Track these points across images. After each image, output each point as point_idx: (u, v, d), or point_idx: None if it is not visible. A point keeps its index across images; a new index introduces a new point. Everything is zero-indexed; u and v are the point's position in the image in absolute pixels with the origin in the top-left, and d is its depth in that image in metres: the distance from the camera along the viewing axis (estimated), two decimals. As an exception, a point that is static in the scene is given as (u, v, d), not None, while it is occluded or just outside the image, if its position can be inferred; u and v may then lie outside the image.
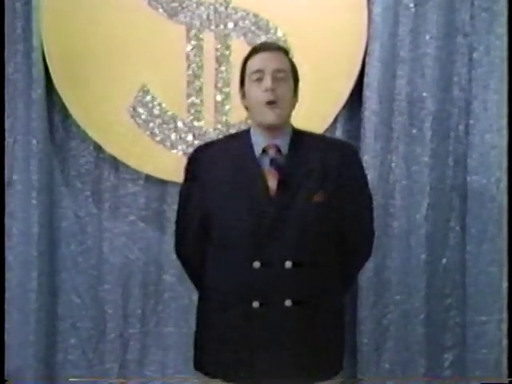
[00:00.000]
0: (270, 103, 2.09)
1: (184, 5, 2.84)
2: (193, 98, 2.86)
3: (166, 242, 2.88)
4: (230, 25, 2.84)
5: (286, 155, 2.15)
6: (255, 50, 2.17)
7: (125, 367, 2.94)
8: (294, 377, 2.08)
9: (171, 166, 2.79)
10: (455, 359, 2.91)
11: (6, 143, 2.81)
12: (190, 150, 2.48)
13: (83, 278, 2.93)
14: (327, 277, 2.14)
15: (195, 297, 2.34)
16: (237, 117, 2.79)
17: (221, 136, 2.68)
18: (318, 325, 2.11)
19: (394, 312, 2.87)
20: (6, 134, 2.82)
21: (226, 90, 2.84)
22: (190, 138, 2.87)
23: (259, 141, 2.16)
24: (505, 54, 2.80)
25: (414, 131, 2.86)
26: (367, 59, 2.82)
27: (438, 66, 2.84)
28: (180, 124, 2.87)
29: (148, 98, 2.85)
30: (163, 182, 2.90)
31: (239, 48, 2.70)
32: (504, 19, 2.79)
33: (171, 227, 2.40)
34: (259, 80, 2.11)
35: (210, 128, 2.86)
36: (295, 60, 2.22)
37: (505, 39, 2.79)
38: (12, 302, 2.82)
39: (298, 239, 2.09)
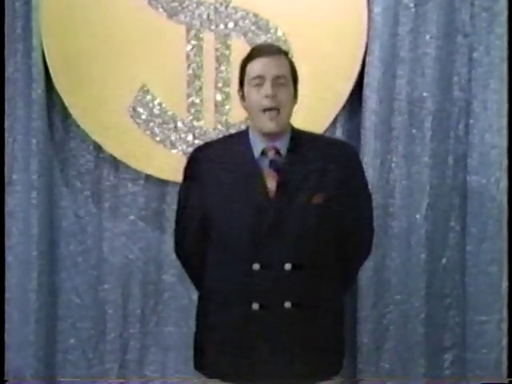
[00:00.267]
0: (270, 110, 2.08)
1: (184, 4, 2.83)
2: (193, 98, 2.86)
3: (165, 241, 2.88)
4: (230, 25, 2.83)
5: (285, 156, 2.14)
6: (255, 54, 2.14)
7: (125, 367, 2.94)
8: (293, 377, 2.08)
9: (171, 165, 2.78)
10: (455, 359, 2.91)
11: (5, 143, 2.81)
12: (190, 149, 2.47)
13: (83, 277, 2.93)
14: (327, 278, 2.14)
15: (195, 297, 2.34)
16: (237, 117, 2.79)
17: (221, 136, 2.68)
18: (318, 326, 2.11)
19: (394, 312, 2.87)
20: (6, 134, 2.81)
21: (226, 89, 2.84)
22: (190, 138, 2.87)
23: (258, 142, 2.15)
24: (505, 53, 2.80)
25: (414, 131, 2.86)
26: (367, 59, 2.82)
27: (438, 65, 2.84)
28: (180, 124, 2.87)
29: (148, 97, 2.85)
30: (163, 182, 2.89)
31: (239, 48, 2.69)
32: (504, 19, 2.79)
33: (171, 227, 2.40)
34: (259, 85, 2.10)
35: (210, 128, 2.86)
36: (295, 60, 2.21)
37: (505, 39, 2.79)
38: (12, 302, 2.82)
39: (298, 241, 2.09)
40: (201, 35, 2.84)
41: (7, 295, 2.79)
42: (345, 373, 2.31)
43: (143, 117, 2.86)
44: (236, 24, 2.83)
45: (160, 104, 2.86)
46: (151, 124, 2.87)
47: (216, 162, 2.16)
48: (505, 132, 2.81)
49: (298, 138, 2.17)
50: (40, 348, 2.85)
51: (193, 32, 2.84)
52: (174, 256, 2.37)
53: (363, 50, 2.82)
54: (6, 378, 2.67)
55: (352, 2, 2.82)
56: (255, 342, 2.08)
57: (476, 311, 2.87)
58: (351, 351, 2.81)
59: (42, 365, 2.86)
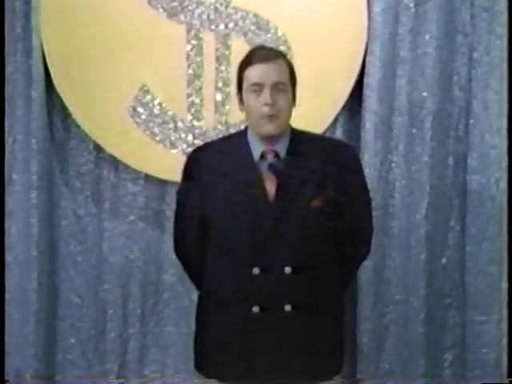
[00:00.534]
0: (270, 117, 2.07)
1: (184, 4, 2.83)
2: (193, 98, 2.86)
3: (165, 241, 2.88)
4: (230, 25, 2.83)
5: (284, 159, 2.13)
6: (253, 60, 2.10)
7: (125, 367, 2.94)
8: (294, 377, 2.08)
9: (171, 165, 2.78)
10: (455, 359, 2.91)
11: (5, 143, 2.81)
12: (190, 149, 2.47)
13: (83, 277, 2.93)
14: (327, 281, 2.14)
15: (195, 297, 2.34)
16: (237, 117, 2.78)
17: (221, 136, 2.68)
18: (318, 328, 2.11)
19: (394, 312, 2.87)
20: (6, 134, 2.81)
21: (226, 89, 2.83)
22: (190, 137, 2.87)
23: (257, 145, 2.14)
24: (505, 53, 2.80)
25: (414, 131, 2.86)
26: (367, 59, 2.82)
27: (438, 65, 2.84)
28: (180, 124, 2.87)
29: (148, 97, 2.85)
30: (163, 182, 2.89)
31: (239, 48, 2.69)
32: (504, 19, 2.79)
33: (171, 227, 2.39)
34: (258, 92, 2.07)
35: (210, 128, 2.86)
36: (295, 60, 2.22)
37: (505, 39, 2.79)
38: (12, 302, 2.82)
39: (298, 244, 2.08)
40: (201, 35, 2.84)
41: (7, 295, 2.80)
42: (345, 373, 2.32)
43: (143, 117, 2.86)
44: (236, 24, 2.83)
45: (160, 104, 2.86)
46: (151, 124, 2.86)
47: (215, 165, 2.15)
48: (505, 132, 2.81)
49: (298, 140, 2.16)
50: (40, 348, 2.85)
51: (193, 32, 2.84)
52: (173, 256, 2.37)
53: (363, 50, 2.82)
54: (6, 378, 2.67)
55: (352, 1, 2.82)
56: (255, 344, 2.08)
57: (476, 311, 2.87)
58: (351, 351, 2.81)
59: (42, 365, 2.86)
